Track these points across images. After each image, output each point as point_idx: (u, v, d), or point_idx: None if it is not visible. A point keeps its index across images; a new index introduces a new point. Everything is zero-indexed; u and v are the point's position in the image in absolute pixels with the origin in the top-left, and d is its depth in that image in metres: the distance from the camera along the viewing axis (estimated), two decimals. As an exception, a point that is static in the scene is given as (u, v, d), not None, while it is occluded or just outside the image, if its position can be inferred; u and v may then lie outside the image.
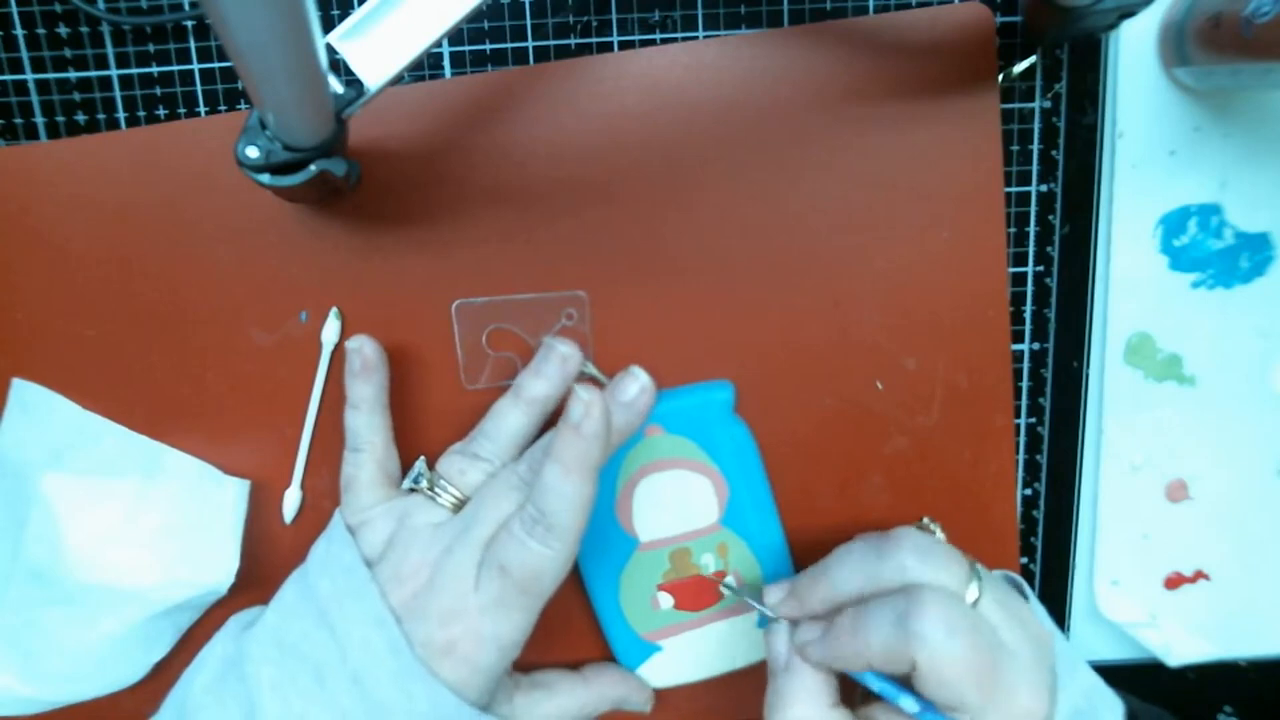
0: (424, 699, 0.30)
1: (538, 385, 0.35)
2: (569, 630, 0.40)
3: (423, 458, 0.35)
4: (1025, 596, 0.33)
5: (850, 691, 0.32)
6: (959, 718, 0.28)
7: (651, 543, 0.38)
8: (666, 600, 0.39)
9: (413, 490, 0.35)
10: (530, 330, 0.37)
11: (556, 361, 0.35)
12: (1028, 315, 0.40)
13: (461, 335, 0.37)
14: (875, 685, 0.30)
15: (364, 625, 0.31)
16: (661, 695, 0.40)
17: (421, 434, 0.38)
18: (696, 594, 0.38)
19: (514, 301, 0.37)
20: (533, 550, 0.30)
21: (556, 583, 0.32)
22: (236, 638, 0.34)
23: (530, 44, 0.37)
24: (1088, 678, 0.32)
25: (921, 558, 0.30)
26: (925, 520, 0.34)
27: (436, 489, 0.34)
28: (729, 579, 0.38)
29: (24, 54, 0.37)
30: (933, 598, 0.28)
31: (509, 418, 0.35)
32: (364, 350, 0.35)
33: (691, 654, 0.39)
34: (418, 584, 0.32)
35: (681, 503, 0.38)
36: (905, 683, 0.29)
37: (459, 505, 0.34)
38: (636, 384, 0.34)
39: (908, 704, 0.29)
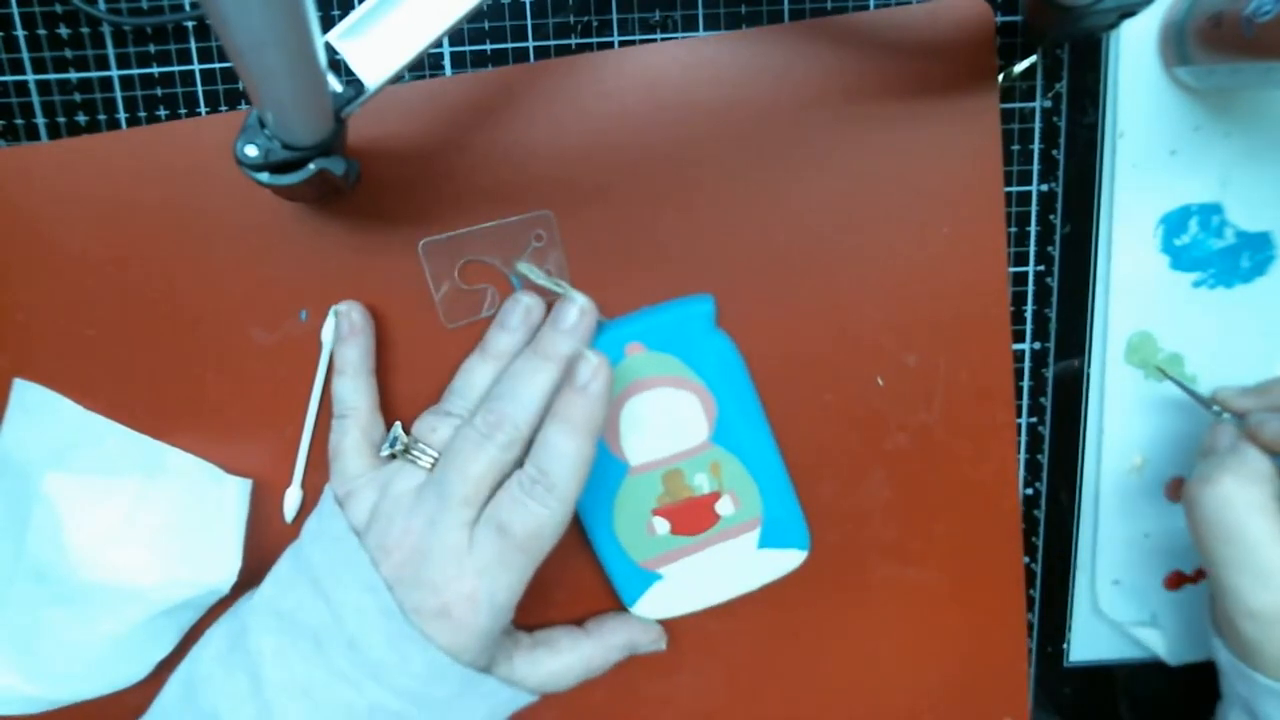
0: (419, 661, 0.31)
1: (503, 339, 0.35)
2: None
3: (398, 423, 0.36)
4: None
5: None
6: None
7: (642, 466, 0.37)
8: (663, 525, 0.38)
9: (392, 456, 0.35)
10: (503, 259, 0.37)
11: (520, 313, 0.35)
12: (1028, 315, 0.40)
13: (433, 274, 0.37)
14: None
15: (356, 591, 0.31)
16: (664, 627, 0.39)
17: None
18: (693, 517, 0.38)
19: (480, 231, 0.37)
20: (532, 510, 0.31)
21: (554, 542, 0.32)
22: (236, 610, 0.34)
23: (530, 44, 0.37)
24: None
25: None
26: None
27: (414, 451, 0.34)
28: (725, 519, 0.36)
29: (25, 55, 0.37)
30: None
31: (477, 373, 0.35)
32: (351, 315, 0.36)
33: (693, 580, 0.38)
34: (405, 553, 0.32)
35: (670, 422, 0.37)
36: None
37: (436, 463, 0.34)
38: (575, 308, 0.34)
39: None
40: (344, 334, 0.36)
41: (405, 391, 0.38)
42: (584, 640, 0.37)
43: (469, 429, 0.33)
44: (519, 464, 0.32)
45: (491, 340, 0.36)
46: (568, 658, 0.36)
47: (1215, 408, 0.36)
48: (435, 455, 0.34)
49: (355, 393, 0.36)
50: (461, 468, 0.32)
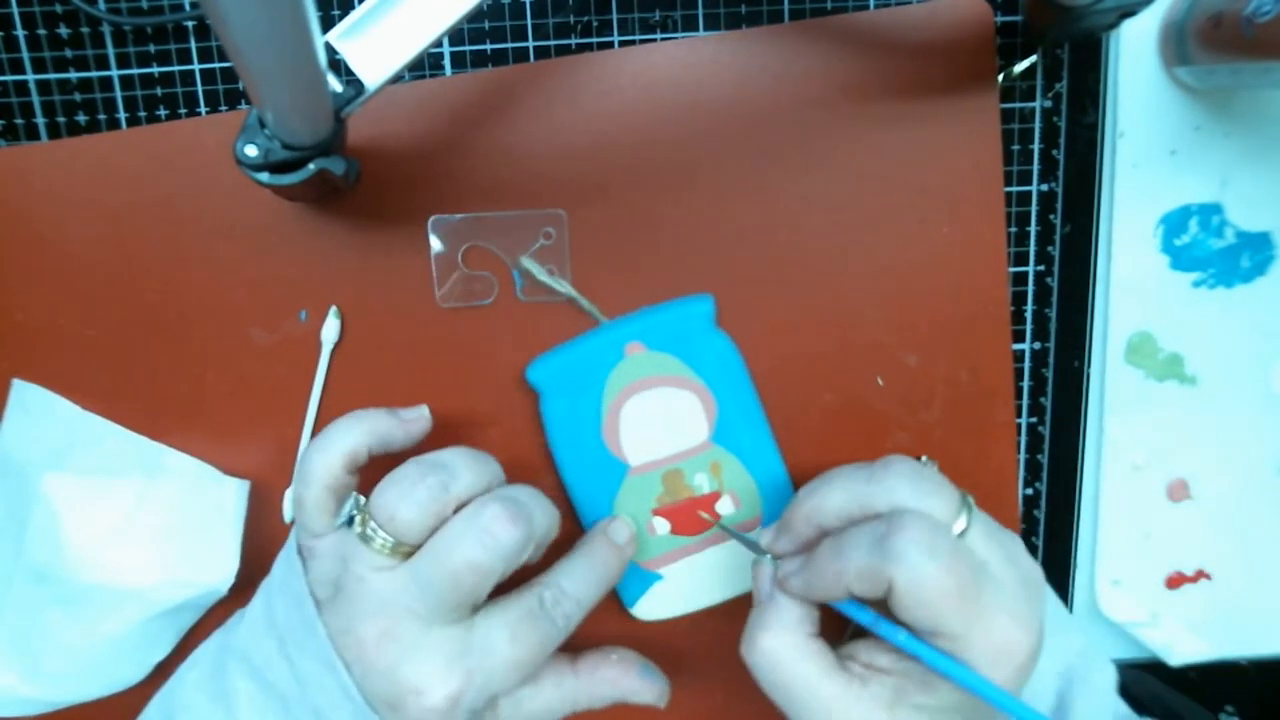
0: None
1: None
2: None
3: (355, 495, 0.32)
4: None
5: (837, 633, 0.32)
6: (940, 644, 0.28)
7: (642, 466, 0.37)
8: (663, 526, 0.38)
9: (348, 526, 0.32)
10: (508, 251, 0.37)
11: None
12: (1028, 315, 0.40)
13: (437, 251, 0.37)
14: (858, 615, 0.30)
15: (317, 664, 0.30)
16: (664, 628, 0.39)
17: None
18: (694, 517, 0.38)
19: (491, 219, 0.37)
20: (543, 628, 0.32)
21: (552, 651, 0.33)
22: (222, 639, 0.34)
23: (530, 44, 0.37)
24: (1080, 641, 0.32)
25: (913, 484, 0.30)
26: (924, 459, 0.34)
27: (368, 531, 0.30)
28: (725, 519, 0.36)
29: (25, 54, 0.37)
30: (914, 520, 0.28)
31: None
32: (426, 419, 0.35)
33: (693, 580, 0.38)
34: (377, 643, 0.30)
35: (670, 422, 0.37)
36: (887, 615, 0.29)
37: (394, 548, 0.30)
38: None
39: (888, 631, 0.29)
40: (409, 421, 0.34)
41: (402, 394, 0.38)
42: (570, 677, 0.35)
43: (475, 524, 0.30)
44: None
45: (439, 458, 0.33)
46: (548, 697, 0.34)
47: (763, 551, 0.33)
48: (392, 541, 0.30)
49: (349, 455, 0.32)
50: (455, 573, 0.29)
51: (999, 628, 0.28)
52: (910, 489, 0.30)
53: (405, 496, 0.30)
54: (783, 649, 0.30)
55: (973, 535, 0.30)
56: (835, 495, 0.31)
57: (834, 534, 0.30)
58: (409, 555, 0.30)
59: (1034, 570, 0.31)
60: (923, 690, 0.29)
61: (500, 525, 0.30)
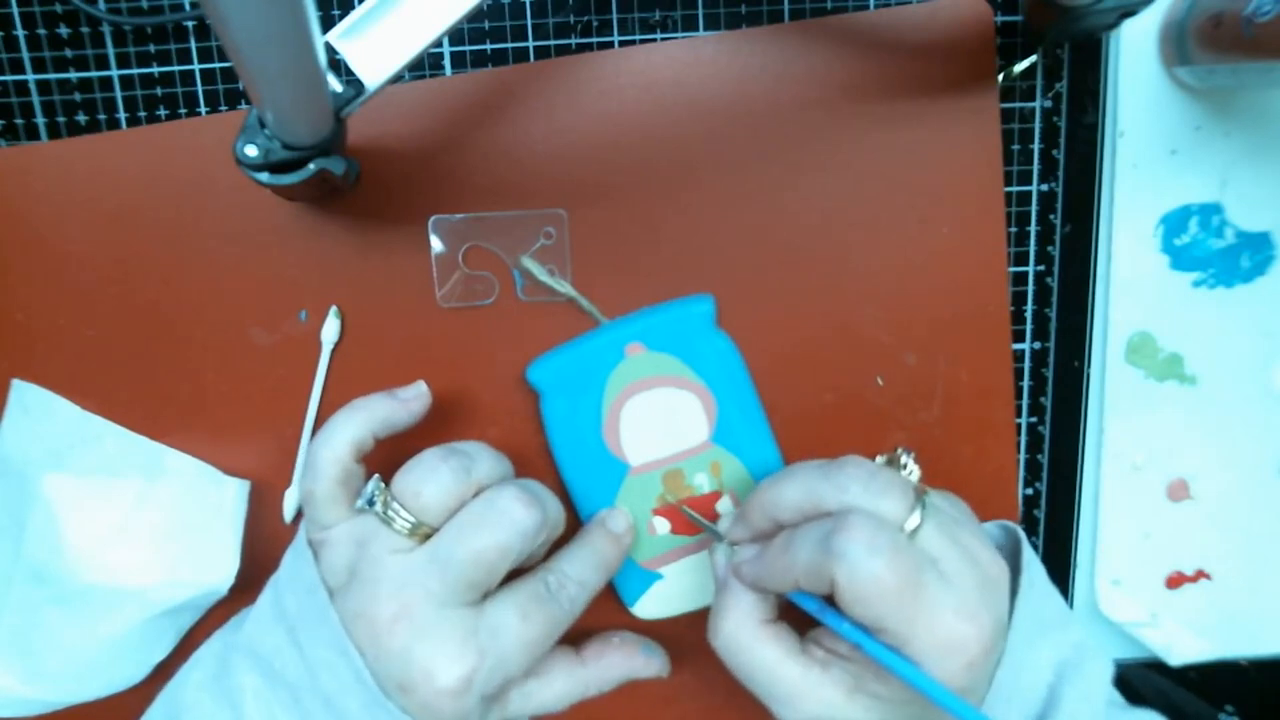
0: None
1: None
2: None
3: (377, 475, 0.32)
4: (1020, 548, 0.33)
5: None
6: (886, 639, 0.28)
7: (643, 466, 0.37)
8: (663, 525, 0.38)
9: (366, 511, 0.32)
10: (509, 251, 0.37)
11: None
12: (1028, 315, 0.40)
13: (437, 251, 0.37)
14: (806, 605, 0.30)
15: (328, 650, 0.30)
16: (664, 627, 0.39)
17: (410, 436, 0.38)
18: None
19: (492, 219, 0.37)
20: (549, 611, 0.32)
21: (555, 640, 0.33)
22: (225, 638, 0.34)
23: (530, 44, 0.37)
24: (1078, 634, 0.33)
25: (864, 484, 0.30)
26: (899, 450, 0.34)
27: (390, 512, 0.31)
28: (726, 518, 0.36)
29: (25, 54, 0.37)
30: (857, 519, 0.28)
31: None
32: (425, 395, 0.35)
33: (693, 580, 0.38)
34: (391, 624, 0.30)
35: (670, 422, 0.37)
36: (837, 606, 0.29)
37: (414, 529, 0.31)
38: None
39: (834, 621, 0.29)
40: (409, 400, 0.34)
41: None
42: (578, 668, 0.36)
43: (492, 507, 0.31)
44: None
45: (464, 447, 0.34)
46: (560, 687, 0.35)
47: (720, 536, 0.34)
48: (412, 521, 0.31)
49: (355, 444, 0.33)
50: (477, 551, 0.30)
51: (943, 624, 0.28)
52: (861, 488, 0.30)
53: (429, 477, 0.31)
54: (741, 633, 0.31)
55: (925, 533, 0.30)
56: (790, 491, 0.31)
57: (788, 529, 0.31)
58: (426, 539, 0.31)
59: (995, 568, 0.31)
60: (878, 680, 0.29)
61: (519, 507, 0.31)
